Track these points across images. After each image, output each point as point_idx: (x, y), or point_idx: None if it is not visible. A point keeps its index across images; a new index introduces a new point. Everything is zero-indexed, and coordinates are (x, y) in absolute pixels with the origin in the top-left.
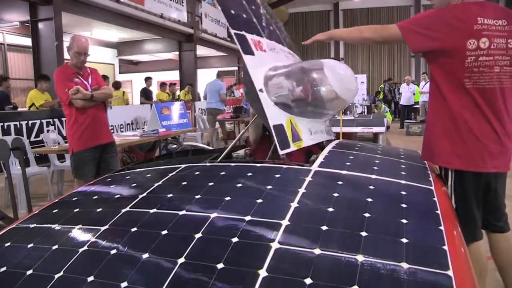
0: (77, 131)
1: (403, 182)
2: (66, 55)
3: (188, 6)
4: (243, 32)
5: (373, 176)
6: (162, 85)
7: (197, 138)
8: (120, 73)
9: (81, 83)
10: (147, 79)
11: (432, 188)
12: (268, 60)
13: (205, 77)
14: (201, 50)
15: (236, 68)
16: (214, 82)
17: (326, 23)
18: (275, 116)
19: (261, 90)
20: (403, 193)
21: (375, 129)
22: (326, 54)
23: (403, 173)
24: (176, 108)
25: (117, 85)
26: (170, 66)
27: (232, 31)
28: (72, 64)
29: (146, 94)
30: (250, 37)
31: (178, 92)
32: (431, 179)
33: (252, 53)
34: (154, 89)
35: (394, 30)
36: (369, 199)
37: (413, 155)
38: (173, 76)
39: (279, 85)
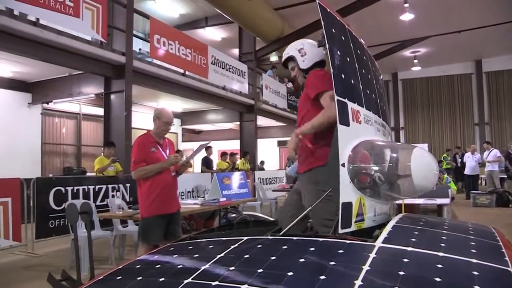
0: (148, 198)
1: (474, 261)
2: (134, 124)
3: (250, 79)
4: (345, 100)
5: (441, 254)
6: (223, 154)
7: (256, 207)
8: (182, 141)
9: (158, 153)
10: (207, 148)
11: (510, 269)
12: (360, 134)
13: (265, 147)
14: (261, 120)
15: None
16: None
17: (385, 93)
18: (347, 193)
19: (343, 165)
20: (475, 273)
21: (439, 201)
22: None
23: (473, 250)
24: (236, 178)
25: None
26: (231, 135)
27: (336, 97)
28: (154, 133)
29: (207, 163)
30: (351, 105)
31: (238, 162)
32: (507, 258)
33: (347, 124)
34: (215, 158)
35: None
36: (438, 279)
37: (483, 230)
38: (234, 145)
39: (362, 163)
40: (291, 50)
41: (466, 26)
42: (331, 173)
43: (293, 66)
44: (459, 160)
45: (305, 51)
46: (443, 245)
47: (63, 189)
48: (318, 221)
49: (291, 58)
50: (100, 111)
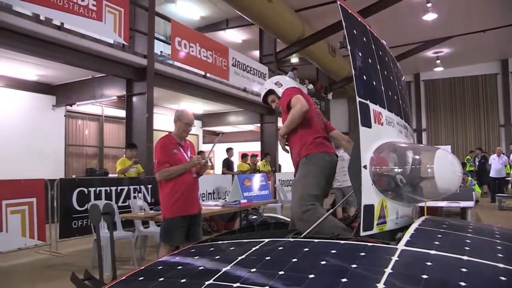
0: (171, 199)
1: (500, 265)
2: (156, 126)
3: None
4: (367, 102)
5: (465, 258)
6: (244, 156)
7: (277, 209)
8: (203, 143)
9: (180, 154)
10: (229, 150)
11: None
12: (382, 135)
13: None
14: None
15: None
16: None
17: (407, 94)
18: (369, 195)
19: (365, 167)
20: (502, 278)
21: (463, 204)
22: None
23: (500, 255)
24: (257, 180)
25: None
26: (252, 137)
27: (358, 99)
28: (176, 134)
29: (228, 165)
30: (372, 107)
31: (259, 163)
32: None
33: (369, 126)
34: (235, 159)
35: None
36: (462, 283)
37: (510, 234)
38: (254, 147)
39: (384, 165)
40: (268, 85)
41: (490, 25)
42: (322, 158)
43: (273, 98)
44: (477, 163)
45: (280, 83)
46: (467, 248)
47: (86, 190)
48: (298, 195)
49: (270, 92)
50: (122, 113)
